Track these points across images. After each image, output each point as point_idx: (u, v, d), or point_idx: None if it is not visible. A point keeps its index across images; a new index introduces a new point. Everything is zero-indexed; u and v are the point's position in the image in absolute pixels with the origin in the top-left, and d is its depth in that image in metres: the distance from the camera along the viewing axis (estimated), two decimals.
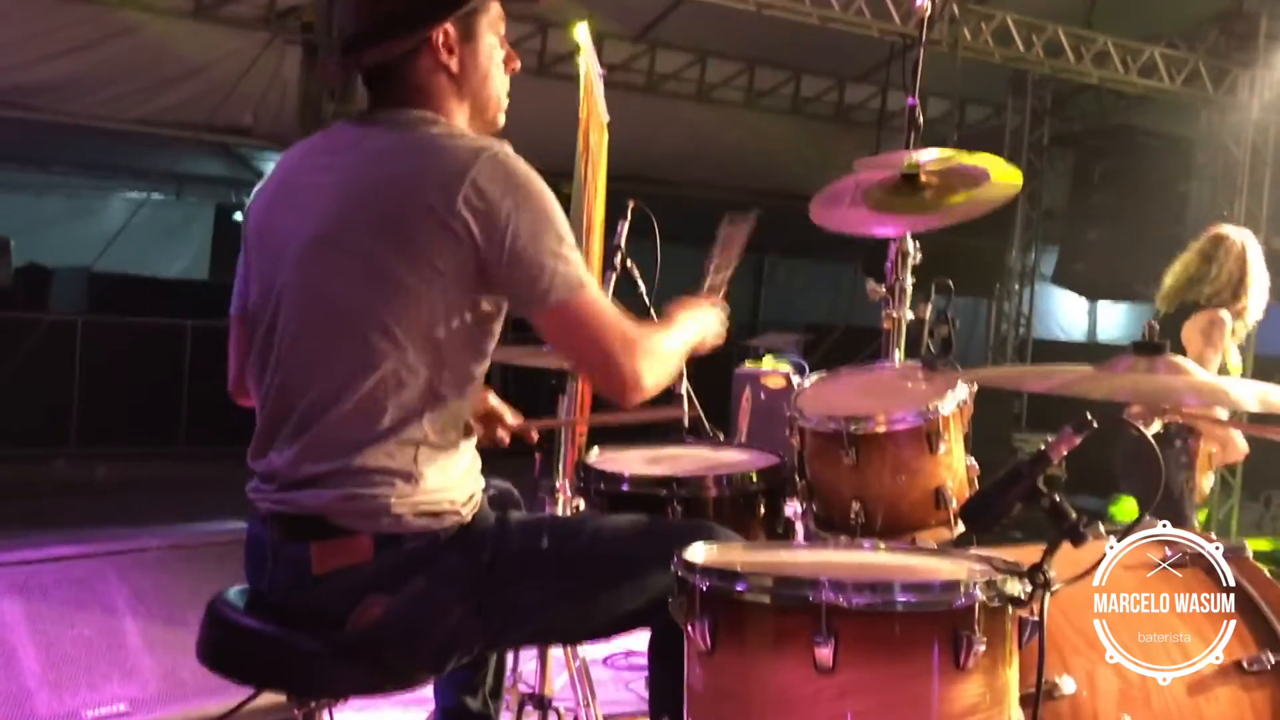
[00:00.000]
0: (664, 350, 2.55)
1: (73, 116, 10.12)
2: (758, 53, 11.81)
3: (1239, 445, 5.22)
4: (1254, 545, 2.98)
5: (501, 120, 2.69)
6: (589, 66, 5.09)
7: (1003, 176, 3.49)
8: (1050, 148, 13.23)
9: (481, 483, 2.60)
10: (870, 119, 12.33)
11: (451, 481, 2.48)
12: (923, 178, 3.44)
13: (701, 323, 2.86)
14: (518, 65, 2.70)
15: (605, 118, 5.16)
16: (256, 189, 2.69)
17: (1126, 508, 5.75)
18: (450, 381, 2.44)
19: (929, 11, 3.98)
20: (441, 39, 2.53)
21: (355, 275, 2.40)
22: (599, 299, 2.46)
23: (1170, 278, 5.54)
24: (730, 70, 12.13)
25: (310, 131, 2.89)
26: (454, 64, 2.55)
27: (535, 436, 3.30)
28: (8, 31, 8.98)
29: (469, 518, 2.50)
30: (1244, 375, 5.45)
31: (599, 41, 5.49)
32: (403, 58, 2.53)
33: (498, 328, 2.52)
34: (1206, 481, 5.24)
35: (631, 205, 4.08)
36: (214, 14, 9.62)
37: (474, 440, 2.56)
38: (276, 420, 2.50)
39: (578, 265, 2.43)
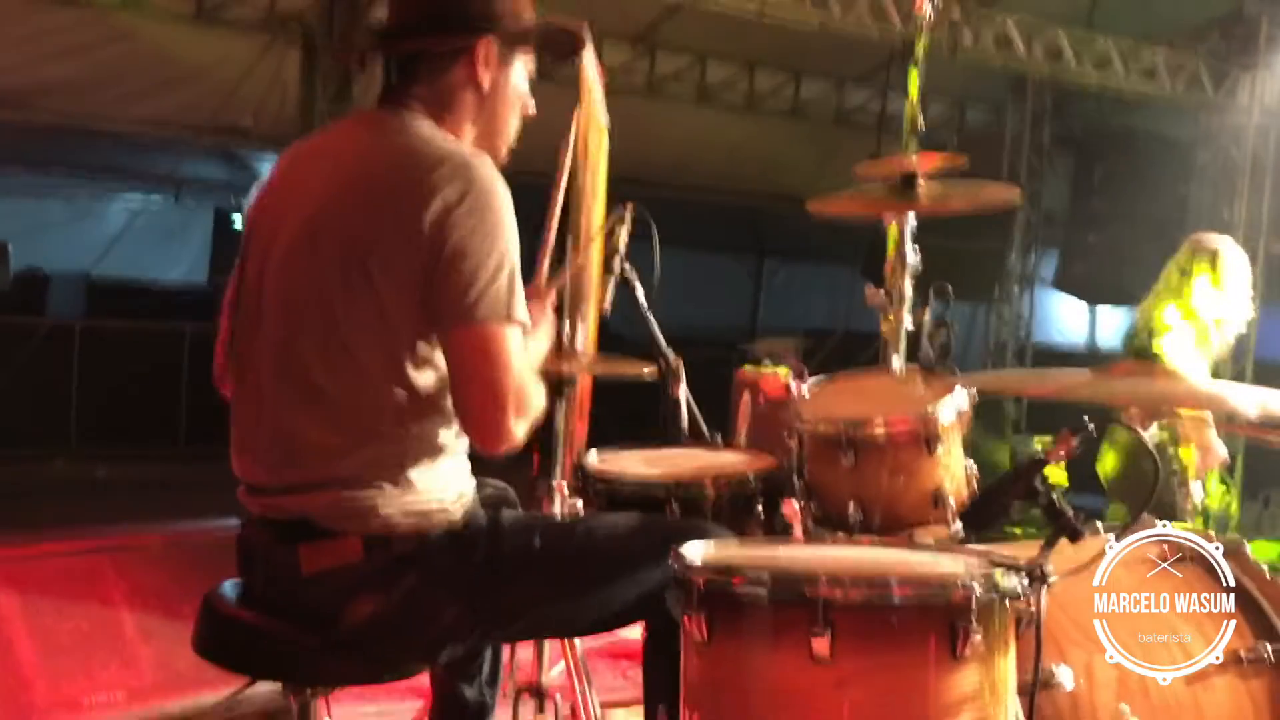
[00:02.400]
0: (538, 412, 2.49)
1: (72, 119, 10.12)
2: (757, 55, 11.81)
3: (1218, 452, 5.22)
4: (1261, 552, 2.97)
5: (505, 155, 2.69)
6: (588, 69, 5.09)
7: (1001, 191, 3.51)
8: (1050, 150, 13.22)
9: (472, 482, 2.60)
10: (870, 122, 12.30)
11: (440, 482, 2.48)
12: (921, 183, 3.44)
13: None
14: (532, 110, 2.71)
15: (605, 121, 5.17)
16: (255, 187, 2.70)
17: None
18: (428, 382, 2.44)
19: (929, 15, 3.98)
20: (484, 53, 2.53)
21: (328, 279, 2.40)
22: (516, 341, 2.40)
23: (1153, 294, 5.57)
24: (730, 73, 12.12)
25: (309, 133, 2.90)
26: (486, 81, 2.56)
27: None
28: (7, 33, 8.98)
29: (459, 517, 2.50)
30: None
31: (599, 43, 5.49)
32: (439, 60, 2.53)
33: None
34: (1196, 489, 5.23)
35: (629, 207, 4.08)
36: (214, 17, 9.60)
37: (464, 441, 2.55)
38: (254, 422, 2.51)
39: (515, 297, 2.39)
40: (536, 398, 2.47)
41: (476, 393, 2.38)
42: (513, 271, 2.39)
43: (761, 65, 12.08)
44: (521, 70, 2.65)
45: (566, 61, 2.97)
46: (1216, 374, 5.41)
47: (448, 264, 2.33)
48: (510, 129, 2.67)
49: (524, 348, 2.44)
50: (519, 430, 2.40)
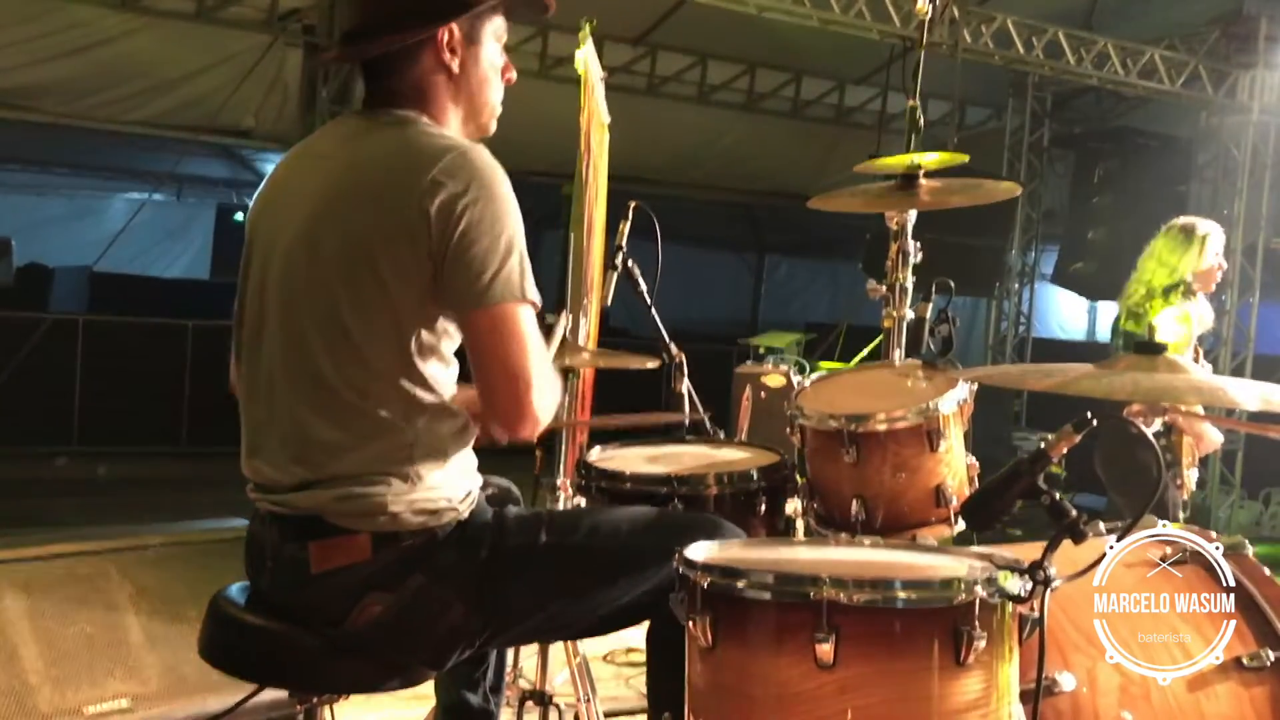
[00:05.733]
0: (557, 395, 2.51)
1: (74, 118, 10.12)
2: (758, 55, 11.82)
3: (1212, 438, 5.23)
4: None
5: (493, 127, 2.69)
6: (590, 68, 5.10)
7: (1001, 188, 3.51)
8: (1050, 149, 13.22)
9: (479, 480, 2.60)
10: (870, 121, 12.33)
11: (448, 479, 2.48)
12: (922, 179, 3.45)
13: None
14: (513, 76, 2.70)
15: (606, 119, 5.18)
16: (257, 191, 2.71)
17: None
18: (435, 378, 2.45)
19: (929, 14, 3.99)
20: (446, 38, 2.53)
21: (332, 279, 2.40)
22: (529, 318, 2.41)
23: (1138, 281, 5.60)
24: (731, 72, 12.14)
25: (310, 133, 2.90)
26: (455, 65, 2.55)
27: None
28: (10, 32, 8.99)
29: (466, 514, 2.50)
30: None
31: (600, 44, 5.49)
32: (405, 54, 2.53)
33: None
34: (1191, 476, 5.24)
35: (632, 206, 4.09)
36: (215, 16, 9.63)
37: (471, 436, 2.56)
38: (264, 423, 2.51)
39: (526, 278, 2.40)
40: (555, 379, 2.50)
41: (498, 373, 2.38)
42: (522, 253, 2.40)
43: (762, 65, 12.09)
44: (492, 42, 2.63)
45: (538, 19, 2.95)
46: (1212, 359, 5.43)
47: (458, 251, 2.34)
48: (491, 102, 2.66)
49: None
50: (542, 408, 2.41)
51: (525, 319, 2.40)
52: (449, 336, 2.46)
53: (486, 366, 2.40)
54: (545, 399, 2.42)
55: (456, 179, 2.35)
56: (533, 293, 2.41)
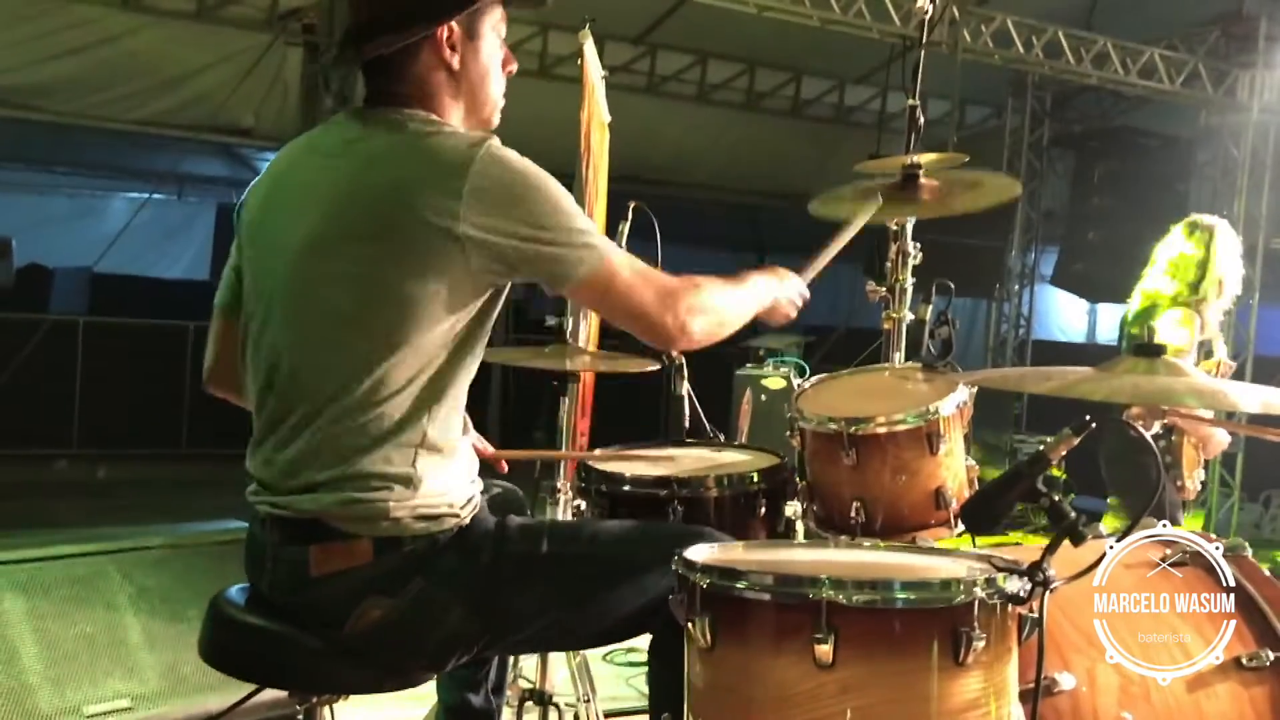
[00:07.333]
0: (711, 303, 2.57)
1: (75, 117, 10.13)
2: (758, 54, 11.83)
3: (1219, 440, 5.21)
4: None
5: (496, 120, 2.68)
6: (590, 67, 5.09)
7: (1001, 188, 3.51)
8: (1050, 149, 13.23)
9: (480, 485, 2.59)
10: (870, 120, 12.34)
11: (450, 485, 2.47)
12: (922, 179, 3.45)
13: (771, 288, 2.90)
14: (514, 68, 2.69)
15: (606, 118, 5.17)
16: (252, 184, 2.70)
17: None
18: (446, 385, 2.43)
19: (929, 13, 3.99)
20: (446, 35, 2.52)
21: (349, 282, 2.39)
22: (621, 264, 2.46)
23: (1146, 279, 5.57)
24: (731, 72, 12.14)
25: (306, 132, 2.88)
26: (455, 61, 2.55)
27: (505, 468, 3.28)
28: (11, 32, 9.01)
29: (468, 520, 2.49)
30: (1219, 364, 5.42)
31: (600, 43, 5.49)
32: (405, 52, 2.52)
33: (489, 326, 2.51)
34: (1196, 478, 5.23)
35: (633, 206, 4.08)
36: (215, 15, 9.64)
37: (471, 441, 2.55)
38: (272, 424, 2.50)
39: (592, 236, 2.43)
40: (693, 292, 2.55)
41: (625, 317, 2.51)
42: (577, 213, 2.44)
43: (762, 64, 12.09)
44: (492, 35, 2.62)
45: (535, 8, 2.95)
46: (1210, 354, 5.40)
47: (530, 252, 2.37)
48: (493, 96, 2.65)
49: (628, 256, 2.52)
50: (691, 322, 2.52)
51: (614, 270, 2.45)
52: (460, 343, 2.44)
53: (613, 319, 2.58)
54: (680, 314, 2.51)
55: (495, 185, 2.35)
56: (602, 241, 2.46)
